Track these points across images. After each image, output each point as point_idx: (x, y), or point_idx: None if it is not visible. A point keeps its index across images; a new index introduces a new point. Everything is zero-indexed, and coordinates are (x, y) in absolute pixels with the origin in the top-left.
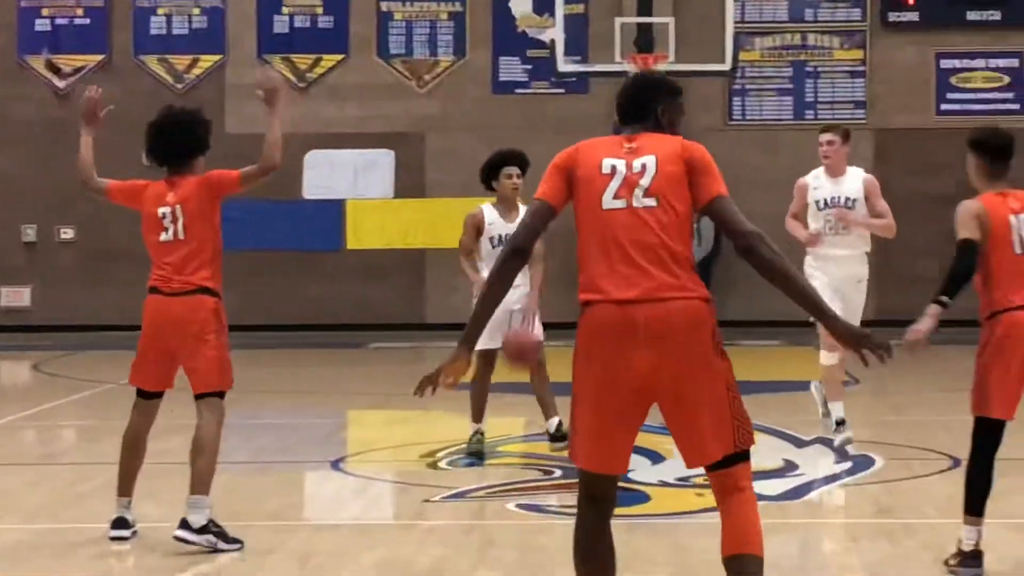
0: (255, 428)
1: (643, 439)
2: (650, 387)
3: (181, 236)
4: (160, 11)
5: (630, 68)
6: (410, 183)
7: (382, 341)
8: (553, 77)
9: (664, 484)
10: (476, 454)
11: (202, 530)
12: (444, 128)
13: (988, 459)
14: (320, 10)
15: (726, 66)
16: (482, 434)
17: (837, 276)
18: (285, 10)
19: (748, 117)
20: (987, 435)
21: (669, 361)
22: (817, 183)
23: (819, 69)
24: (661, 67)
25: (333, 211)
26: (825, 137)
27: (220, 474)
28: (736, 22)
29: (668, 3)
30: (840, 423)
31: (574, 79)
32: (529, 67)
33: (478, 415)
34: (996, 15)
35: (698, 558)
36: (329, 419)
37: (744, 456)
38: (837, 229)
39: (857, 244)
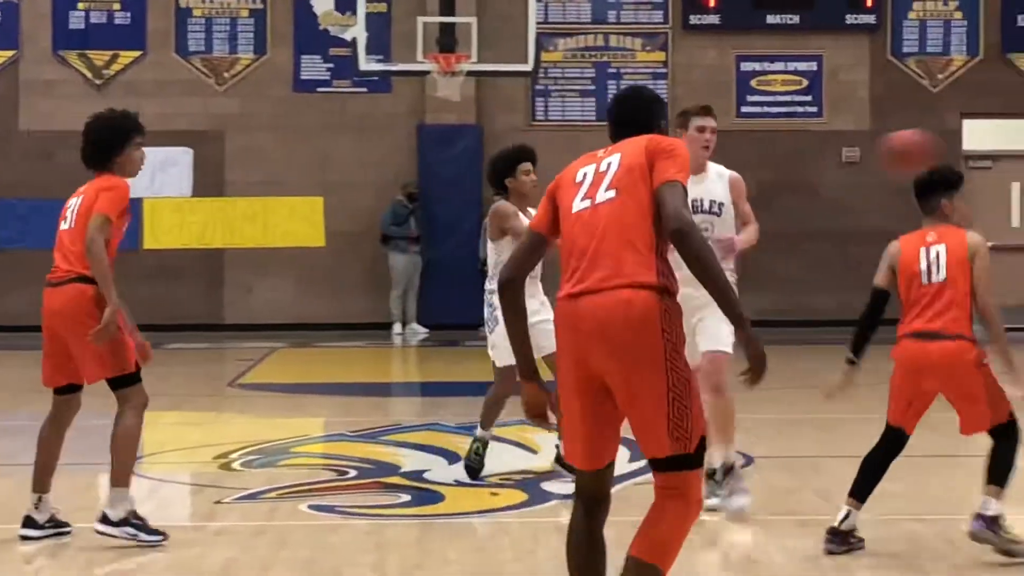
0: None
1: (438, 439)
2: (601, 378)
3: (72, 224)
4: None
5: (432, 67)
6: (209, 182)
7: (180, 342)
8: (355, 76)
9: (459, 484)
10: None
11: (122, 523)
12: (244, 127)
13: (881, 457)
14: (117, 6)
15: (528, 66)
16: (484, 443)
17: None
18: (81, 5)
19: (551, 118)
20: (886, 436)
21: (611, 351)
22: None
23: (621, 71)
24: (464, 67)
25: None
26: (708, 123)
27: (7, 476)
28: (538, 23)
29: (471, 3)
30: (727, 471)
31: (376, 78)
32: (331, 66)
33: (488, 422)
34: (795, 19)
35: (493, 557)
36: None
37: (686, 464)
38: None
39: (725, 260)
